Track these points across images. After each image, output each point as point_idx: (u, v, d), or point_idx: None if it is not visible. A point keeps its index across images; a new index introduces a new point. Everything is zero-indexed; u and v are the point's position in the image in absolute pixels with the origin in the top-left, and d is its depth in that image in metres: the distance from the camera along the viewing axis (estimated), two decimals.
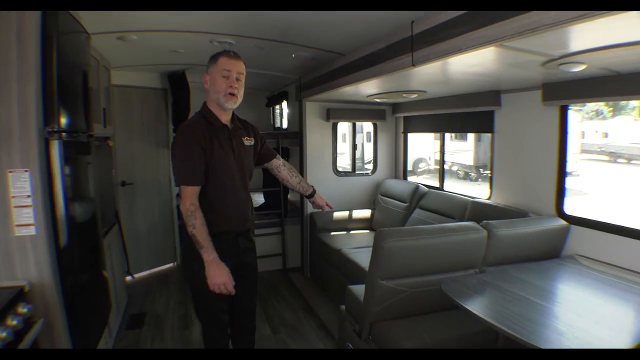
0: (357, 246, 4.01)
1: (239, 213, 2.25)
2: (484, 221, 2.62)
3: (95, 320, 2.42)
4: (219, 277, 2.02)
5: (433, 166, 12.29)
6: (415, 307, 2.54)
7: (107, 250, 3.37)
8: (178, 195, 2.18)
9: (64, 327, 2.03)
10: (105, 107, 3.49)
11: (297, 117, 4.91)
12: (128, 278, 4.34)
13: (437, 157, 11.47)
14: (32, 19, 1.85)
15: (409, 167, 10.61)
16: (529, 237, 2.67)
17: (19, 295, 1.82)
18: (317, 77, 4.09)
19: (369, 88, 3.64)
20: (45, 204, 1.94)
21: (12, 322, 1.67)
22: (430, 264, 2.52)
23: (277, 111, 6.41)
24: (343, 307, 2.96)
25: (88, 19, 2.57)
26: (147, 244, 4.88)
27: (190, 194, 2.06)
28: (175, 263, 5.19)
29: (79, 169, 2.43)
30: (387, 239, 2.37)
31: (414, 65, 2.45)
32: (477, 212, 3.27)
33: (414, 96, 3.67)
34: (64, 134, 2.08)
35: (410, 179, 5.09)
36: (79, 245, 2.31)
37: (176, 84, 4.80)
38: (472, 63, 2.35)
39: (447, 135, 4.59)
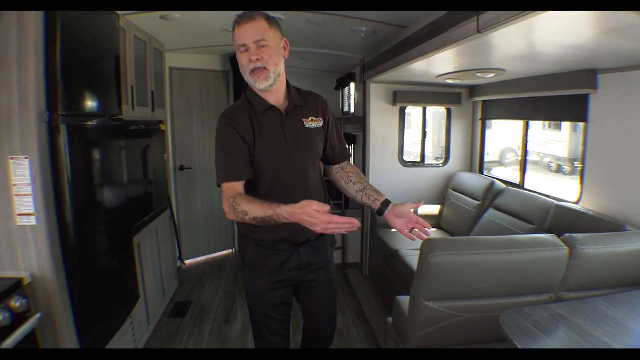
0: (419, 247, 3.55)
1: None
2: (567, 234, 2.05)
3: (111, 313, 2.32)
4: (307, 221, 1.41)
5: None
6: (471, 335, 2.09)
7: (153, 235, 3.34)
8: None
9: (68, 322, 1.94)
10: (153, 90, 3.41)
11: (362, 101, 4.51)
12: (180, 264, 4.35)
13: (528, 146, 10.34)
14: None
15: (496, 158, 9.64)
16: (625, 259, 2.04)
17: (14, 287, 1.72)
18: (379, 55, 3.65)
19: (436, 66, 3.12)
20: (46, 193, 1.83)
21: None
22: (492, 285, 2.02)
23: (346, 95, 6.02)
24: (390, 319, 2.58)
25: None
26: (204, 230, 4.86)
27: (229, 190, 1.67)
28: (233, 250, 5.13)
29: (105, 154, 2.32)
30: (436, 251, 1.94)
31: (479, 32, 1.93)
32: (561, 219, 2.65)
33: (490, 76, 3.08)
34: (75, 118, 1.95)
35: (497, 170, 4.46)
36: (95, 235, 2.21)
37: (236, 66, 4.64)
38: (557, 29, 1.77)
39: (540, 124, 3.88)
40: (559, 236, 2.06)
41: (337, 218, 1.38)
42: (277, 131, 1.74)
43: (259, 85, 1.67)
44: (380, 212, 1.82)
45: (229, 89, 4.86)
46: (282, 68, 1.72)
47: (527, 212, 3.00)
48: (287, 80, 1.81)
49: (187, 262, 4.67)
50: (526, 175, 3.68)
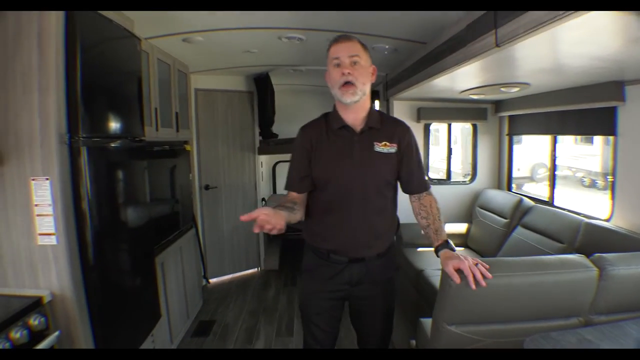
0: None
1: (352, 234, 1.85)
2: (596, 255, 1.92)
3: (131, 332, 2.33)
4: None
5: (557, 172, 10.68)
6: None
7: (178, 254, 3.38)
8: None
9: (87, 340, 1.94)
10: (177, 112, 3.49)
11: None
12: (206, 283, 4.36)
13: (560, 161, 9.93)
14: (52, 25, 1.77)
15: (527, 174, 9.34)
16: None
17: (33, 306, 1.75)
18: (401, 72, 3.63)
19: (459, 81, 3.07)
20: (66, 214, 1.86)
21: (16, 334, 1.60)
22: (517, 308, 1.89)
23: None
24: (413, 342, 2.47)
25: (141, 22, 2.53)
26: (229, 249, 4.88)
27: (286, 196, 1.91)
28: (259, 269, 5.12)
29: (127, 174, 2.37)
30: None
31: (498, 45, 1.89)
32: (591, 237, 2.50)
33: (514, 90, 2.98)
34: (95, 140, 2.00)
35: (529, 186, 4.27)
36: (116, 255, 2.24)
37: (261, 86, 4.73)
38: (581, 39, 1.71)
39: (571, 138, 3.71)
40: (588, 256, 1.93)
41: (270, 221, 1.47)
42: (345, 150, 1.81)
43: (345, 98, 1.74)
44: (436, 252, 1.81)
45: (254, 108, 4.93)
46: (368, 89, 1.81)
47: (556, 231, 2.86)
48: (371, 104, 1.89)
49: (213, 280, 4.70)
50: (556, 192, 3.52)
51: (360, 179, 1.80)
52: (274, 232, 1.50)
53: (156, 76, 3.03)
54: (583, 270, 1.85)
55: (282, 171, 6.18)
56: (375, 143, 1.82)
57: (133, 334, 2.35)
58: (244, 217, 1.47)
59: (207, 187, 4.60)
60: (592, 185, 9.83)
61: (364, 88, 1.77)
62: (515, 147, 4.16)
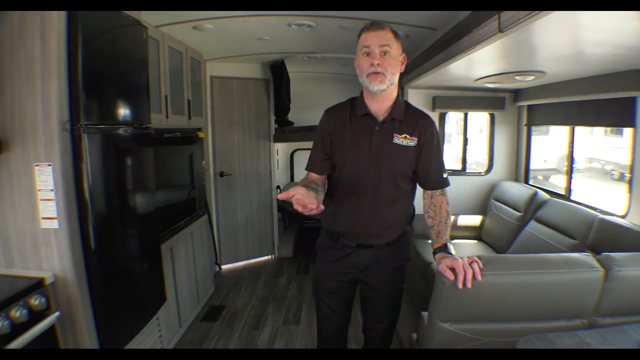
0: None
1: (361, 222, 1.86)
2: (604, 254, 1.83)
3: (133, 314, 2.39)
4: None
5: (584, 164, 10.11)
6: None
7: (188, 240, 3.44)
8: None
9: (87, 321, 2.02)
10: (190, 99, 3.52)
11: None
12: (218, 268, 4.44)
13: (589, 153, 9.50)
14: (54, 14, 1.81)
15: (554, 165, 9.05)
16: None
17: (35, 286, 1.82)
18: (414, 59, 3.54)
19: (473, 69, 2.97)
20: (67, 199, 1.92)
21: (15, 313, 1.66)
22: (516, 307, 1.84)
23: None
24: (414, 335, 2.45)
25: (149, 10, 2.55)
26: (243, 235, 4.93)
27: (307, 177, 1.89)
28: (272, 256, 5.17)
29: (131, 161, 2.41)
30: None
31: (501, 31, 1.81)
32: (604, 234, 2.40)
33: (529, 79, 2.86)
34: (97, 127, 2.05)
35: (555, 179, 4.11)
36: (119, 239, 2.29)
37: (277, 74, 4.72)
38: (597, 26, 1.62)
39: (602, 130, 3.55)
40: (599, 254, 1.85)
41: (304, 200, 1.46)
42: (364, 138, 1.81)
43: (373, 86, 1.71)
44: (434, 254, 1.80)
45: (269, 96, 4.93)
46: (396, 79, 1.77)
47: (569, 226, 2.75)
48: (398, 94, 1.86)
49: (226, 267, 4.78)
50: (580, 184, 3.39)
51: (374, 169, 1.80)
52: (314, 212, 1.49)
53: (167, 64, 3.06)
54: (587, 270, 1.78)
55: (300, 159, 6.20)
56: (395, 135, 1.80)
57: (135, 316, 2.42)
58: (281, 196, 1.51)
59: (221, 174, 4.65)
60: (621, 178, 9.41)
61: (393, 78, 1.73)
62: (542, 138, 4.03)
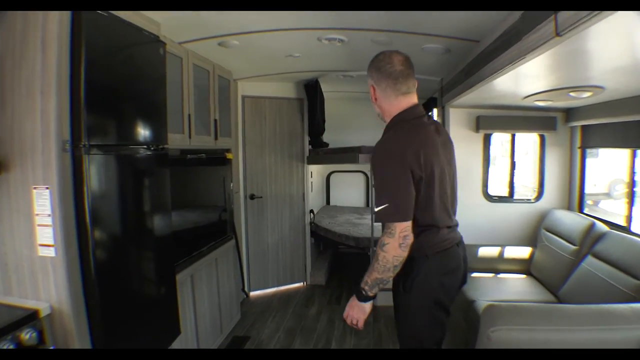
0: (504, 299, 2.90)
1: None
2: None
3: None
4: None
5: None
6: None
7: (212, 267, 3.27)
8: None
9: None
10: (217, 119, 3.39)
11: None
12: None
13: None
14: (55, 29, 1.71)
15: (604, 190, 8.27)
16: None
17: (27, 319, 1.67)
18: (455, 76, 3.25)
19: (520, 85, 2.66)
20: (66, 224, 1.77)
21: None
22: None
23: None
24: None
25: (169, 25, 2.45)
26: (274, 261, 4.73)
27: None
28: (304, 283, 4.91)
29: (143, 183, 2.27)
30: (499, 324, 1.54)
31: (558, 34, 1.51)
32: None
33: (586, 95, 2.49)
34: (102, 148, 1.91)
35: (605, 204, 3.64)
36: (125, 270, 2.13)
37: (310, 93, 4.55)
38: None
39: None
40: None
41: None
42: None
43: None
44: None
45: (303, 116, 4.76)
46: (377, 108, 1.94)
47: (632, 264, 2.34)
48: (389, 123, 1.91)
49: (255, 293, 4.57)
50: (634, 216, 2.93)
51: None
52: None
53: (191, 82, 2.94)
54: None
55: (337, 182, 5.95)
56: None
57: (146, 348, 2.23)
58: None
59: (252, 197, 4.48)
60: None
61: (376, 110, 1.93)
62: (591, 161, 3.56)
